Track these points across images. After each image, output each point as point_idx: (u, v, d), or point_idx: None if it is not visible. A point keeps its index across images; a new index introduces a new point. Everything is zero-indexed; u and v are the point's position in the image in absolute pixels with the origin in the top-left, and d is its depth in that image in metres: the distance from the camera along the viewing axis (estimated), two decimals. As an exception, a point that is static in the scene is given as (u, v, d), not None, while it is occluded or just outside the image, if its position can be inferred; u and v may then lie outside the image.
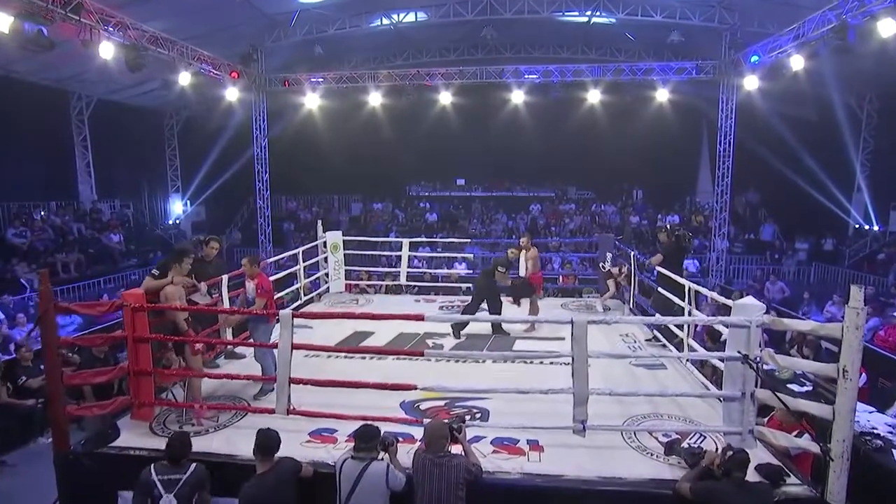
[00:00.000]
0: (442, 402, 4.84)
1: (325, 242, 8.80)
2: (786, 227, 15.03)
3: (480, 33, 13.35)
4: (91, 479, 4.11)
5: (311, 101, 13.49)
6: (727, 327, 3.78)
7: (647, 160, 16.50)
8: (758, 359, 3.60)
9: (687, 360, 5.31)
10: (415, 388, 4.00)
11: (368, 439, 3.42)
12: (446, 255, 12.47)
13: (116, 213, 15.03)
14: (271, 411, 4.24)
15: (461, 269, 12.14)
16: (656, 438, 4.05)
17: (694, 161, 17.40)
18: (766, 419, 4.39)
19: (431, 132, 16.41)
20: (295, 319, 7.44)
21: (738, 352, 3.55)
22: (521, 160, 18.23)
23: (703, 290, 4.96)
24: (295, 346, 4.17)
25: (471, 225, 18.22)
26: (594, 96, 12.74)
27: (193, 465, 3.48)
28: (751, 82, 11.30)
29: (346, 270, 9.25)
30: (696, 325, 9.51)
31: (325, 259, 8.84)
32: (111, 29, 7.90)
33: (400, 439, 4.12)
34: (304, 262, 7.86)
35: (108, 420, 4.47)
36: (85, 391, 5.66)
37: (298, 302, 7.90)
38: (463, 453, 3.68)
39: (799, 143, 13.28)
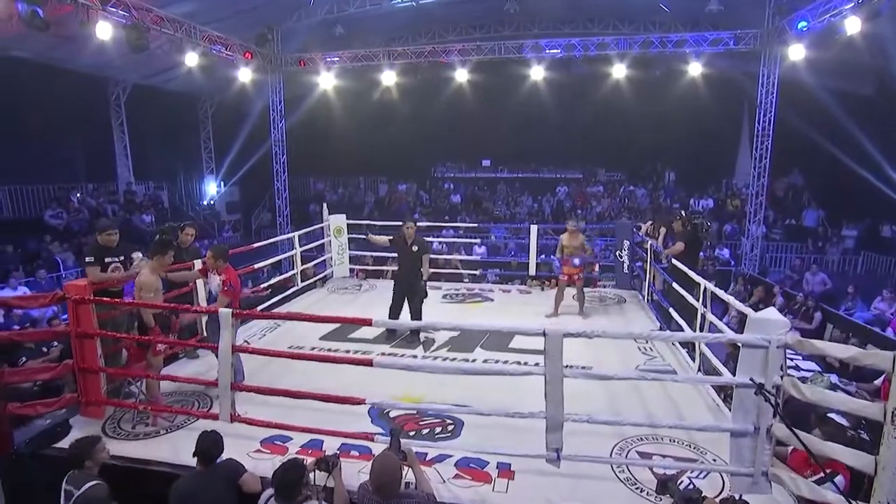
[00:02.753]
0: (413, 410, 4.20)
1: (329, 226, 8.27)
2: (832, 212, 13.29)
3: (504, 7, 12.28)
4: (34, 481, 3.74)
5: (327, 80, 12.80)
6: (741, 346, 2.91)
7: (680, 140, 15.02)
8: (777, 388, 2.74)
9: (698, 370, 4.45)
10: (363, 402, 3.35)
11: (289, 487, 2.77)
12: (457, 240, 11.71)
13: (150, 194, 15.02)
14: (216, 417, 3.71)
15: (471, 255, 11.42)
16: (651, 470, 3.27)
17: (732, 141, 15.72)
18: (789, 448, 3.53)
19: (457, 112, 15.57)
20: (286, 308, 7.10)
21: (751, 379, 2.70)
22: (548, 140, 17.11)
23: (720, 293, 4.03)
24: (235, 349, 3.59)
25: (495, 207, 17.35)
26: (619, 71, 11.35)
27: (93, 482, 2.98)
28: (796, 52, 9.71)
29: (353, 255, 8.72)
30: (725, 315, 8.53)
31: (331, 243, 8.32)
32: (112, 8, 7.42)
33: (356, 454, 3.55)
34: (299, 246, 7.30)
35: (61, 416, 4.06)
36: (66, 380, 5.34)
37: (295, 288, 7.39)
38: (414, 478, 3.05)
39: (851, 121, 11.54)
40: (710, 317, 4.14)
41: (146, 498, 3.48)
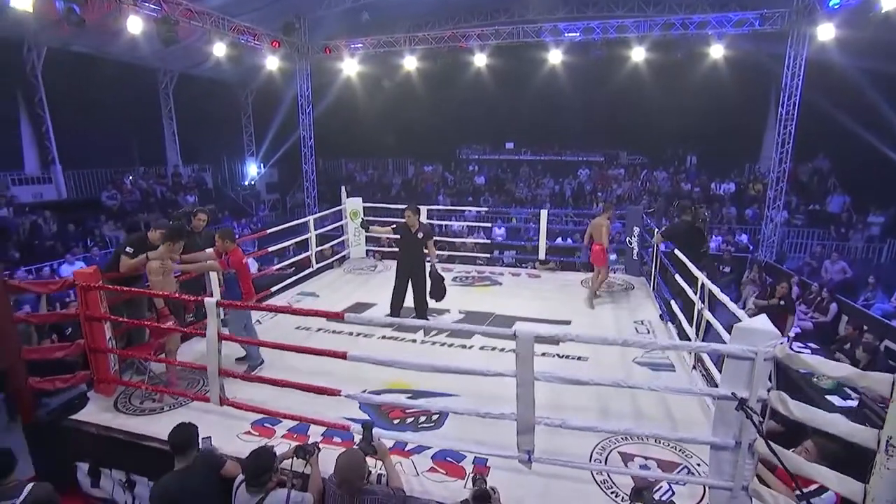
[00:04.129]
0: (402, 397, 4.03)
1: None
2: (859, 198, 12.12)
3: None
4: (54, 448, 3.81)
5: (351, 67, 12.47)
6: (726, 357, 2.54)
7: (703, 123, 13.96)
8: (762, 403, 2.39)
9: (693, 367, 4.07)
10: (338, 393, 3.18)
11: (258, 475, 2.64)
12: (477, 224, 11.33)
13: (194, 176, 15.26)
14: (209, 400, 3.64)
15: (491, 237, 11.07)
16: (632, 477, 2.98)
17: (758, 124, 14.52)
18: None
19: (481, 96, 14.99)
20: (300, 289, 7.03)
21: (733, 393, 2.36)
22: (570, 124, 16.31)
23: (716, 291, 3.60)
24: (222, 337, 3.46)
25: (517, 189, 16.80)
26: (639, 54, 10.44)
27: (29, 485, 2.59)
28: (826, 31, 8.66)
29: (370, 236, 8.55)
30: (740, 301, 7.98)
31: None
32: (144, 2, 7.30)
33: (338, 440, 3.41)
34: (315, 229, 7.17)
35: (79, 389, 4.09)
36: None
37: (310, 269, 7.30)
38: (384, 470, 2.89)
39: (883, 103, 10.34)
40: (707, 315, 3.74)
41: (144, 469, 3.50)
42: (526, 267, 8.99)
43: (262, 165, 17.79)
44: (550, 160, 17.89)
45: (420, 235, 5.58)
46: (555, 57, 10.96)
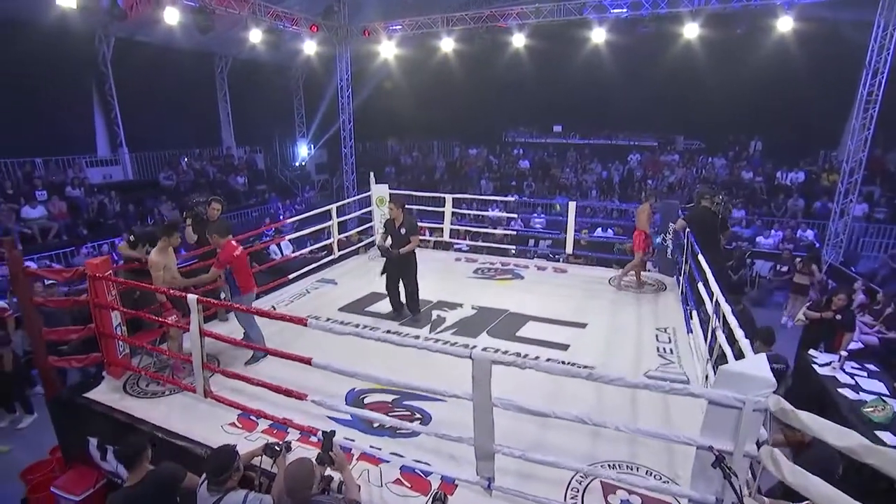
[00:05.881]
0: (389, 398, 3.92)
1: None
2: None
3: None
4: (72, 423, 4.08)
5: (389, 49, 12.20)
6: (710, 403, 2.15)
7: (770, 106, 12.43)
8: (751, 460, 2.01)
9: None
10: (304, 397, 3.10)
11: (219, 472, 2.60)
12: (509, 215, 10.89)
13: (245, 157, 15.79)
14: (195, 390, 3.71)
15: (511, 228, 10.60)
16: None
17: (839, 106, 12.69)
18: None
19: (528, 77, 14.28)
20: (321, 275, 7.08)
21: (710, 447, 2.00)
22: (623, 106, 15.12)
23: (727, 310, 3.12)
24: (203, 333, 3.47)
25: (563, 174, 16.01)
26: (692, 30, 9.35)
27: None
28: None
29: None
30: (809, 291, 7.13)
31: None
32: (181, -8, 7.47)
33: (315, 440, 3.35)
34: (337, 217, 7.15)
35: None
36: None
37: (332, 256, 7.33)
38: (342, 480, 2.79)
39: None
40: (720, 337, 3.27)
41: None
42: (558, 259, 8.56)
43: (311, 146, 18.12)
44: (600, 144, 16.87)
45: (403, 231, 5.33)
46: (598, 35, 10.08)
